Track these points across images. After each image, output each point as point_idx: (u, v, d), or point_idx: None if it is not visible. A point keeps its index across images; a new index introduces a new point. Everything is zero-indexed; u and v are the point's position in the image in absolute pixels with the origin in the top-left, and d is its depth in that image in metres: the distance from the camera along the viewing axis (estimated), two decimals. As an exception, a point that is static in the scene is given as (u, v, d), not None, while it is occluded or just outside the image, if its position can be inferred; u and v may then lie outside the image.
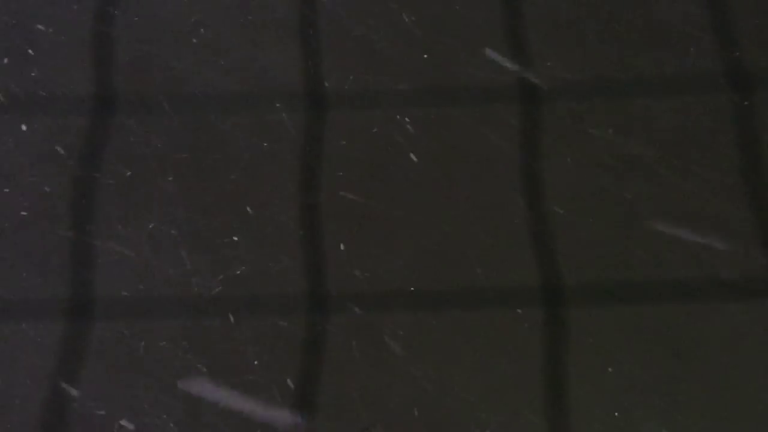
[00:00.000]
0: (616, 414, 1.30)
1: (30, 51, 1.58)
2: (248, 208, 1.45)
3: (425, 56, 1.56)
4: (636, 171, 1.47)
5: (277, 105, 1.53)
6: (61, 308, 1.38)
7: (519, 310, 1.37)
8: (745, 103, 1.51)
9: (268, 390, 1.33)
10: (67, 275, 1.40)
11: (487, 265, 1.40)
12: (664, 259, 1.40)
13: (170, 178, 1.48)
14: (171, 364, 1.35)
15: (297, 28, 1.60)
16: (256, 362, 1.34)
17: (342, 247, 1.42)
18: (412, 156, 1.49)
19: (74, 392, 1.33)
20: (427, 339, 1.36)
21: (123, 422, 1.31)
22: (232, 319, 1.37)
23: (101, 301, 1.39)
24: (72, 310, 1.38)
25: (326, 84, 1.55)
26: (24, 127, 1.52)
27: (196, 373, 1.34)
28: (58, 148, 1.50)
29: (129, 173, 1.48)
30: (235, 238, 1.43)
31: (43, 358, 1.35)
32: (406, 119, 1.51)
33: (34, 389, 1.33)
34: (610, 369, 1.33)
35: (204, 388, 1.33)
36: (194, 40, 1.59)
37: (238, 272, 1.41)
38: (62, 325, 1.37)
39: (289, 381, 1.33)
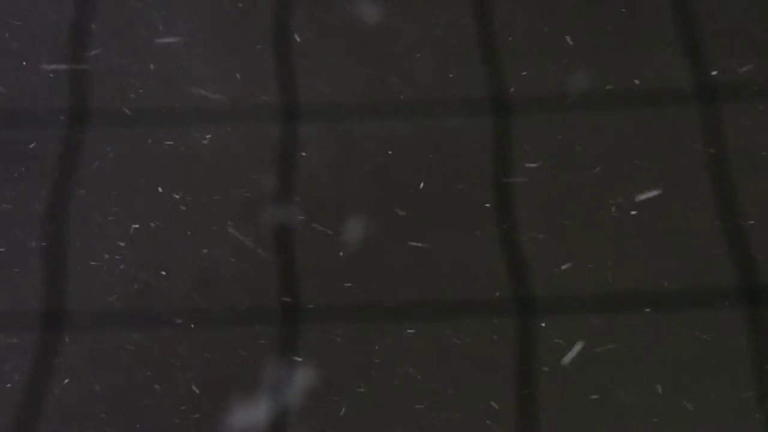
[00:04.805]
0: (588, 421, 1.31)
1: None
2: (229, 221, 1.46)
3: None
4: (605, 181, 1.48)
5: (256, 117, 1.54)
6: (34, 320, 1.38)
7: (493, 321, 1.37)
8: (714, 114, 1.52)
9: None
10: (40, 287, 1.41)
11: (460, 276, 1.41)
12: (634, 267, 1.41)
13: (144, 190, 1.48)
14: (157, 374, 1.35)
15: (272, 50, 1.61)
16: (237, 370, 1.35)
17: (317, 260, 1.43)
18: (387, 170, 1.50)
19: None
20: (402, 351, 1.36)
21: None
22: (211, 331, 1.38)
23: (74, 313, 1.39)
24: (45, 321, 1.38)
25: (299, 97, 1.55)
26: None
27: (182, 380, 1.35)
28: (31, 160, 1.51)
29: (103, 184, 1.49)
30: (210, 250, 1.44)
31: (17, 369, 1.35)
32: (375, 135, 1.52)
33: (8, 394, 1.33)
34: (581, 376, 1.34)
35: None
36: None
37: (220, 282, 1.41)
38: (36, 337, 1.37)
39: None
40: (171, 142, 1.52)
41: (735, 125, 1.52)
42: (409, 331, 1.37)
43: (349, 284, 1.41)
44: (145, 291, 1.40)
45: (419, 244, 1.44)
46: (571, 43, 1.60)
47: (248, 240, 1.44)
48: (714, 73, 1.56)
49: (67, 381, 1.34)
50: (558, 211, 1.46)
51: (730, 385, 1.33)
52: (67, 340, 1.37)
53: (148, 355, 1.36)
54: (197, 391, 1.33)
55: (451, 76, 1.57)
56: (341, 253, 1.43)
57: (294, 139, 1.52)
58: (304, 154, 1.51)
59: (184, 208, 1.47)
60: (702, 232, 1.44)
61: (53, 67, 1.59)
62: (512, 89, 1.56)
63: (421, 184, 1.48)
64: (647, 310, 1.38)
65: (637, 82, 1.56)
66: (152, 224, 1.46)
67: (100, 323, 1.38)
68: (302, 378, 1.34)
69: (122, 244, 1.44)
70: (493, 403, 1.32)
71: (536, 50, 1.59)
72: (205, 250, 1.44)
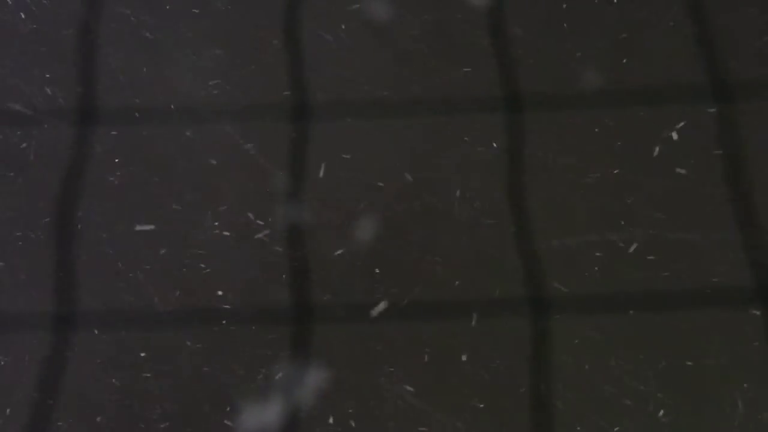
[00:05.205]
0: (602, 422, 1.31)
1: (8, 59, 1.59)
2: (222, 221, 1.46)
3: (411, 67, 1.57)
4: (619, 178, 1.47)
5: (259, 116, 1.54)
6: (43, 321, 1.38)
7: (506, 319, 1.37)
8: (728, 113, 1.52)
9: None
10: (52, 287, 1.41)
11: (474, 276, 1.41)
12: (647, 266, 1.41)
13: (154, 190, 1.48)
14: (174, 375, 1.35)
15: (279, 42, 1.61)
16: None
17: (329, 259, 1.43)
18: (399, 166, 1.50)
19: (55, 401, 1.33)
20: (414, 349, 1.36)
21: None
22: (229, 327, 1.38)
23: (83, 314, 1.39)
24: (54, 322, 1.38)
25: (309, 94, 1.55)
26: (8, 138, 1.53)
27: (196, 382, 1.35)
28: (39, 160, 1.51)
29: (112, 185, 1.49)
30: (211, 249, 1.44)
31: (28, 368, 1.35)
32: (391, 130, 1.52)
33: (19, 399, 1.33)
34: (594, 375, 1.34)
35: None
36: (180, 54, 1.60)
37: (231, 282, 1.41)
38: (48, 337, 1.37)
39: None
40: (181, 142, 1.52)
41: (752, 126, 1.52)
42: (421, 329, 1.37)
43: (361, 283, 1.41)
44: (154, 291, 1.40)
45: (431, 243, 1.44)
46: (582, 41, 1.59)
47: (259, 238, 1.44)
48: (731, 72, 1.56)
49: (76, 380, 1.34)
50: (571, 210, 1.46)
51: (745, 385, 1.33)
52: (75, 340, 1.37)
53: (157, 354, 1.36)
54: (208, 391, 1.33)
55: (462, 73, 1.57)
56: (353, 252, 1.43)
57: (305, 136, 1.52)
58: (314, 151, 1.51)
59: (194, 207, 1.47)
60: (718, 233, 1.44)
61: (59, 67, 1.59)
62: (524, 86, 1.55)
63: (433, 182, 1.48)
64: (661, 309, 1.38)
65: (649, 80, 1.56)
66: (163, 224, 1.46)
67: (111, 324, 1.38)
68: (314, 378, 1.34)
69: (131, 244, 1.44)
70: (505, 401, 1.32)
71: (548, 47, 1.59)
72: (214, 250, 1.43)
